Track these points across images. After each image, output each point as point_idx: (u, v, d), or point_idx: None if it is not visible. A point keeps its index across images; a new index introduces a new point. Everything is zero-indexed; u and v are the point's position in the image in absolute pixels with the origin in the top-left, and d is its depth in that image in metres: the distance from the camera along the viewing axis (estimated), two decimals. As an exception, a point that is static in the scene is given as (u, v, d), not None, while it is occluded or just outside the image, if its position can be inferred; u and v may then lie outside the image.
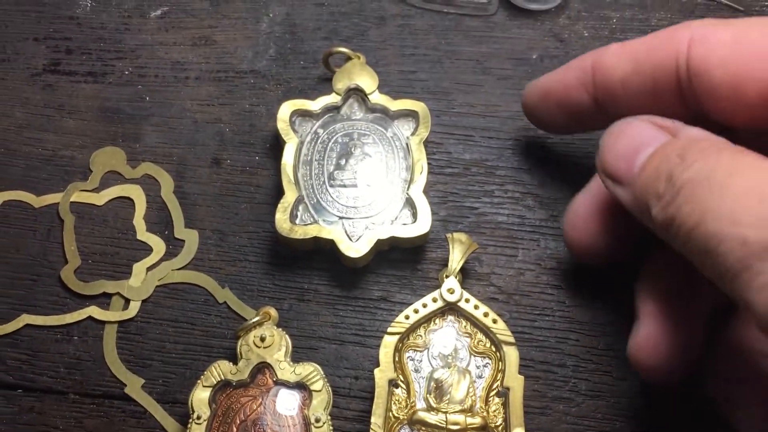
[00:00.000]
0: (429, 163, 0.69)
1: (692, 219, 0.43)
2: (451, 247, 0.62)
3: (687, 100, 0.49)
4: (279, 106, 0.68)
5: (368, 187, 0.64)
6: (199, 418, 0.55)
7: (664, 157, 0.47)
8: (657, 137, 0.49)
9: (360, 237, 0.61)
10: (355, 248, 0.61)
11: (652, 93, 0.50)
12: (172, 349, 0.61)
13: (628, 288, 0.59)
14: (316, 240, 0.62)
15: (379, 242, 0.62)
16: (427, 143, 0.68)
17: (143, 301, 0.62)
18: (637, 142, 0.50)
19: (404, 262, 0.64)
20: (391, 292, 0.64)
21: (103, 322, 0.61)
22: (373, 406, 0.56)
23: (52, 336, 0.61)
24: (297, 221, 0.62)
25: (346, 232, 0.62)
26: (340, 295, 0.63)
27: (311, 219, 0.62)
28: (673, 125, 0.49)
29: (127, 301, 0.62)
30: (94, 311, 0.61)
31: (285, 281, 0.63)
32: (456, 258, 0.62)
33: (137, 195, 0.67)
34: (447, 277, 0.61)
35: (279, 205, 0.62)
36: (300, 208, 0.63)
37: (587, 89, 0.54)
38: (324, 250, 0.63)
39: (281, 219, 0.62)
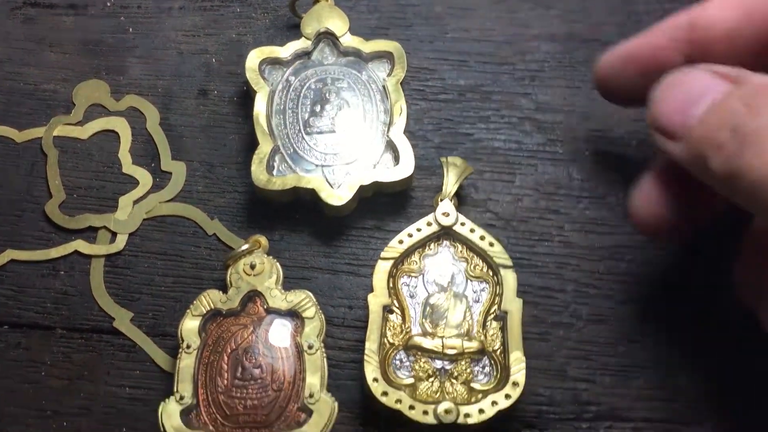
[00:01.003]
0: (422, 90, 0.67)
1: (762, 171, 0.39)
2: (445, 170, 0.61)
3: None
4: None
5: (346, 133, 0.62)
6: (188, 347, 0.54)
7: (727, 107, 0.41)
8: (716, 86, 0.44)
9: (341, 184, 0.60)
10: (337, 195, 0.59)
11: (765, 45, 0.44)
12: (161, 282, 0.59)
13: (627, 214, 0.57)
14: (296, 191, 0.60)
15: (361, 188, 0.60)
16: (420, 70, 0.66)
17: (130, 235, 0.61)
18: (694, 93, 0.44)
19: (390, 206, 0.62)
20: (385, 221, 0.62)
21: (90, 256, 0.60)
22: (367, 332, 0.55)
23: (37, 271, 0.60)
24: (274, 173, 0.60)
25: (326, 179, 0.60)
26: (333, 224, 0.62)
27: (289, 169, 0.61)
28: (736, 73, 0.43)
29: (114, 234, 0.61)
30: (80, 245, 0.60)
31: (276, 212, 0.62)
32: (451, 181, 0.60)
33: (122, 128, 0.65)
34: (441, 200, 0.60)
35: (254, 157, 0.61)
36: (276, 159, 0.61)
37: (681, 49, 0.48)
38: (305, 201, 0.62)
39: (257, 171, 0.60)
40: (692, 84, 0.46)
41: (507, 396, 0.53)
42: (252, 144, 0.63)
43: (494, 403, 0.53)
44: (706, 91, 0.45)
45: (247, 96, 0.66)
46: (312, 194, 0.60)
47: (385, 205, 0.63)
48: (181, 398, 0.53)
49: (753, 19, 0.45)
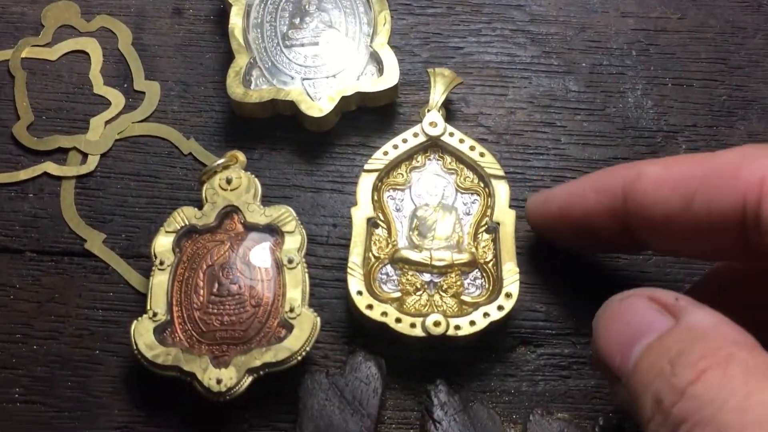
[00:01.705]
0: (409, 4, 0.65)
1: None
2: (432, 80, 0.59)
3: (752, 243, 0.40)
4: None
5: (328, 44, 0.60)
6: (161, 264, 0.52)
7: (661, 354, 0.37)
8: (656, 324, 0.40)
9: (322, 96, 0.57)
10: (317, 107, 0.57)
11: (705, 233, 0.41)
12: (134, 203, 0.57)
13: (627, 124, 0.55)
14: (274, 104, 0.58)
15: (344, 100, 0.57)
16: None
17: (102, 156, 0.59)
18: (634, 330, 0.40)
19: (375, 122, 0.60)
20: (371, 137, 0.60)
21: (60, 178, 0.58)
22: (351, 246, 0.53)
23: (5, 194, 0.58)
24: (252, 87, 0.58)
25: (306, 92, 0.58)
26: (316, 141, 0.60)
27: (267, 83, 0.58)
28: (676, 304, 0.40)
29: (85, 155, 0.59)
30: (49, 167, 0.58)
31: (255, 130, 0.60)
32: (438, 91, 0.58)
33: (93, 48, 0.63)
34: (429, 111, 0.57)
35: (230, 71, 0.58)
36: (254, 73, 0.59)
37: (617, 217, 0.45)
38: (285, 117, 0.59)
39: (233, 84, 0.57)
40: (631, 317, 0.42)
41: (500, 308, 0.51)
42: (229, 62, 0.60)
43: (486, 314, 0.50)
44: (644, 330, 0.40)
45: (224, 14, 0.64)
46: (291, 108, 0.57)
47: (370, 120, 0.60)
48: (155, 315, 0.51)
49: (693, 211, 0.41)
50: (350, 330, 0.54)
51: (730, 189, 0.40)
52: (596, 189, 0.46)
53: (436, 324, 0.49)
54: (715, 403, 0.33)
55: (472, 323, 0.50)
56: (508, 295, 0.51)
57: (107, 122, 0.60)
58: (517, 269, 0.51)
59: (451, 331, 0.49)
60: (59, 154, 0.59)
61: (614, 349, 0.41)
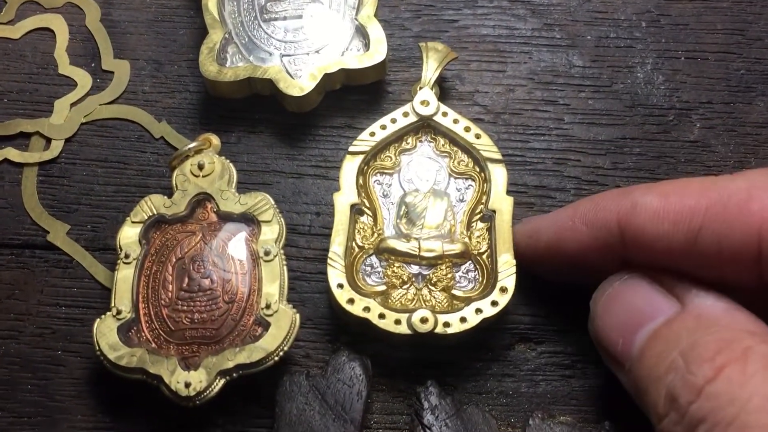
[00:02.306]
0: (400, -26, 0.60)
1: None
2: (424, 56, 0.55)
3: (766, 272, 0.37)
4: None
5: (310, 17, 0.56)
6: (127, 257, 0.49)
7: (670, 343, 0.36)
8: (661, 307, 0.38)
9: (302, 74, 0.53)
10: (297, 86, 0.53)
11: (714, 266, 0.38)
12: (101, 192, 0.54)
13: (636, 101, 0.53)
14: (252, 83, 0.54)
15: (327, 77, 0.54)
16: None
17: (67, 141, 0.56)
18: (636, 313, 0.39)
19: (362, 102, 0.56)
20: (357, 118, 0.56)
21: (22, 165, 0.55)
22: (332, 235, 0.49)
23: (-38, 182, 0.54)
24: (227, 64, 0.54)
25: (285, 69, 0.54)
26: (297, 123, 0.56)
27: (243, 60, 0.55)
28: (681, 286, 0.38)
29: (49, 140, 0.55)
30: (10, 153, 0.55)
31: (232, 111, 0.56)
32: (431, 67, 0.54)
33: (58, 25, 0.59)
34: (420, 89, 0.54)
35: (202, 47, 0.55)
36: (229, 50, 0.55)
37: (614, 253, 0.42)
38: (264, 98, 0.56)
39: (206, 61, 0.54)
40: (632, 301, 0.39)
41: (494, 303, 0.47)
42: (204, 39, 0.57)
43: (478, 311, 0.47)
44: (651, 313, 0.38)
45: (199, -13, 0.60)
46: (270, 87, 0.54)
47: (356, 101, 0.57)
48: (119, 313, 0.47)
49: (699, 246, 0.38)
50: (333, 327, 0.50)
51: (741, 224, 0.37)
52: (588, 223, 0.43)
53: (423, 320, 0.46)
54: (737, 403, 0.31)
55: (463, 320, 0.46)
56: (503, 290, 0.47)
57: (73, 104, 0.57)
58: (514, 261, 0.47)
59: (439, 329, 0.46)
60: (21, 140, 0.56)
61: (615, 333, 0.40)
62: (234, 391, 0.46)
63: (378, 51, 0.53)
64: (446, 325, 0.46)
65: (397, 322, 0.46)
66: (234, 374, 0.46)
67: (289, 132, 0.55)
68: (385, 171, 0.52)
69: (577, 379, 0.49)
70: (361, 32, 0.55)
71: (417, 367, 0.49)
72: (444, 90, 0.56)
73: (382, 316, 0.46)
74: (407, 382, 0.49)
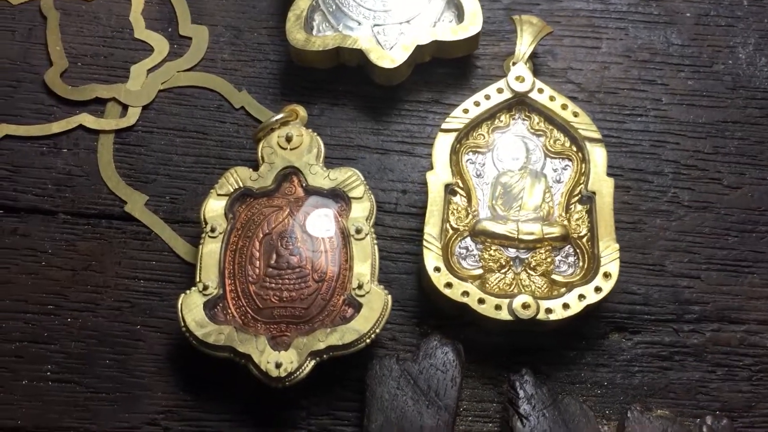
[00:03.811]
0: (488, -57, 0.58)
1: None
2: (518, 29, 0.53)
3: None
4: None
5: None
6: (213, 231, 0.48)
7: None
8: None
9: (394, 44, 0.52)
10: (389, 57, 0.51)
11: None
12: (180, 162, 0.53)
13: (737, 83, 0.52)
14: (339, 53, 0.53)
15: (418, 50, 0.52)
16: None
17: (144, 108, 0.54)
18: None
19: (450, 76, 0.55)
20: (445, 93, 0.55)
21: (97, 132, 0.54)
22: (427, 215, 0.48)
23: (36, 148, 0.53)
24: (314, 32, 0.52)
25: (376, 39, 0.52)
26: (383, 96, 0.54)
27: (331, 28, 0.53)
28: None
29: (125, 107, 0.54)
30: (85, 119, 0.54)
31: (315, 82, 0.55)
32: (525, 42, 0.53)
33: (134, -13, 0.58)
34: (514, 64, 0.52)
35: (289, 14, 0.53)
36: (316, 18, 0.54)
37: None
38: (349, 68, 0.54)
39: (293, 29, 0.52)
40: None
41: (597, 289, 0.46)
42: (286, 5, 0.55)
43: (582, 297, 0.45)
44: None
45: (280, -50, 0.58)
46: (359, 57, 0.52)
47: (444, 75, 0.55)
48: (205, 288, 0.46)
49: None
50: (421, 310, 0.49)
51: None
52: None
53: (525, 306, 0.45)
54: None
55: (566, 306, 0.45)
56: (607, 276, 0.46)
57: (149, 70, 0.56)
58: (617, 245, 0.46)
59: (541, 315, 0.45)
60: (96, 105, 0.55)
61: None
62: (318, 373, 0.45)
63: (473, 23, 0.52)
64: (548, 311, 0.45)
65: (498, 307, 0.45)
66: (324, 356, 0.45)
67: (374, 105, 0.54)
68: (478, 150, 0.50)
69: (675, 372, 0.48)
70: (454, 3, 0.53)
71: (508, 353, 0.48)
72: (536, 67, 0.55)
73: (481, 301, 0.45)
74: (497, 368, 0.48)
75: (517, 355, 0.48)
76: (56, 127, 0.54)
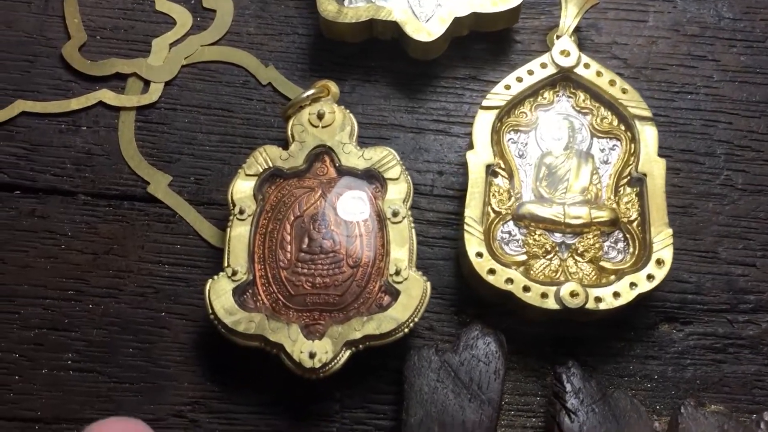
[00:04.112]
0: None
1: None
2: (563, 1, 0.50)
3: None
4: None
5: None
6: (242, 212, 0.45)
7: None
8: None
9: (431, 16, 0.49)
10: (426, 30, 0.49)
11: None
12: (204, 141, 0.50)
13: None
14: (372, 26, 0.50)
15: (456, 23, 0.49)
16: None
17: (167, 84, 0.52)
18: None
19: (488, 51, 0.52)
20: (483, 69, 0.52)
21: (118, 109, 0.51)
22: (467, 198, 0.45)
23: (54, 126, 0.51)
24: (345, 2, 0.50)
25: (412, 10, 0.49)
26: (418, 72, 0.52)
27: (364, 0, 0.50)
28: None
29: (147, 83, 0.52)
30: (105, 95, 0.51)
31: (346, 58, 0.52)
32: (570, 14, 0.50)
33: (154, -43, 0.55)
34: (558, 37, 0.49)
35: None
36: None
37: None
38: (382, 43, 0.52)
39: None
40: None
41: (649, 277, 0.43)
42: (315, -25, 0.53)
43: (633, 285, 0.43)
44: None
45: None
46: (393, 30, 0.50)
47: (482, 50, 0.53)
48: (234, 273, 0.44)
49: None
50: (460, 298, 0.47)
51: None
52: None
53: (574, 294, 0.42)
54: None
55: (617, 295, 0.42)
56: (660, 263, 0.43)
57: (172, 45, 0.53)
58: (670, 231, 0.43)
59: (590, 304, 0.42)
60: (116, 81, 0.53)
61: None
62: (351, 364, 0.43)
63: (514, -7, 0.49)
64: (598, 300, 0.42)
65: (544, 295, 0.42)
66: (360, 345, 0.42)
67: (409, 82, 0.51)
68: (520, 128, 0.48)
69: (729, 365, 0.45)
70: (493, -27, 0.50)
71: (550, 344, 0.46)
72: (579, 41, 0.52)
73: (526, 288, 0.42)
74: (540, 360, 0.46)
75: (560, 346, 0.46)
76: (75, 104, 0.52)
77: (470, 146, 0.47)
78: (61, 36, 0.54)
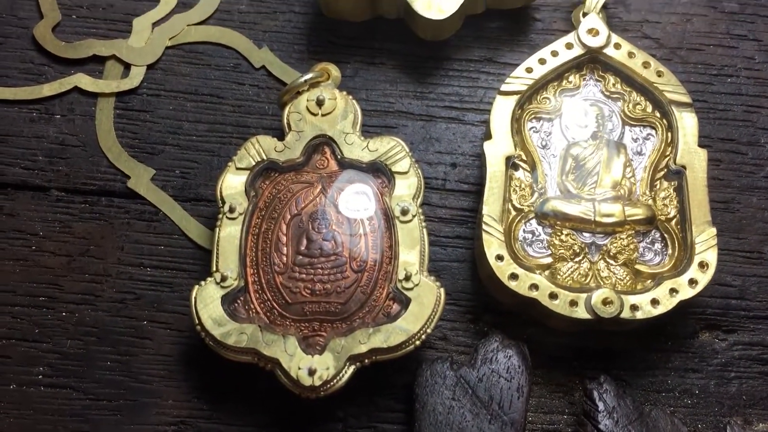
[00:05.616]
0: None
1: None
2: (590, -26, 0.46)
3: None
4: None
5: None
6: (232, 211, 0.41)
7: None
8: None
9: None
10: (437, 7, 0.44)
11: None
12: (191, 130, 0.46)
13: None
14: (376, 2, 0.47)
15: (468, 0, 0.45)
16: None
17: (149, 67, 0.49)
18: None
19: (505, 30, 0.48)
20: (500, 51, 0.48)
21: (96, 95, 0.48)
22: (485, 193, 0.41)
23: (25, 114, 0.47)
24: None
25: None
26: (427, 54, 0.47)
27: None
28: None
29: (128, 66, 0.48)
30: (81, 80, 0.48)
31: (348, 38, 0.48)
32: (599, -12, 0.45)
33: (136, -72, 0.51)
34: (585, 15, 0.45)
35: None
36: None
37: None
38: (388, 22, 0.48)
39: None
40: None
41: (692, 282, 0.39)
42: (313, -52, 0.48)
43: (673, 291, 0.39)
44: None
45: None
46: (400, 7, 0.46)
47: (498, 29, 0.49)
48: (223, 279, 0.40)
49: None
50: (476, 304, 0.43)
51: None
52: None
53: (607, 302, 0.38)
54: None
55: (655, 302, 0.38)
56: (703, 266, 0.39)
57: (155, 24, 0.50)
58: (714, 230, 0.39)
59: (626, 313, 0.38)
60: (94, 64, 0.49)
61: None
62: (356, 380, 0.39)
63: (533, -32, 0.45)
64: (634, 308, 0.38)
65: (573, 303, 0.38)
66: (366, 360, 0.38)
67: (418, 65, 0.47)
68: (543, 116, 0.43)
69: (778, 378, 0.41)
70: (511, -56, 0.46)
71: (578, 356, 0.42)
72: (606, 19, 0.47)
73: (553, 295, 0.38)
74: (568, 374, 0.42)
75: (589, 358, 0.42)
76: (48, 90, 0.48)
77: (487, 135, 0.43)
78: (33, 15, 0.50)
